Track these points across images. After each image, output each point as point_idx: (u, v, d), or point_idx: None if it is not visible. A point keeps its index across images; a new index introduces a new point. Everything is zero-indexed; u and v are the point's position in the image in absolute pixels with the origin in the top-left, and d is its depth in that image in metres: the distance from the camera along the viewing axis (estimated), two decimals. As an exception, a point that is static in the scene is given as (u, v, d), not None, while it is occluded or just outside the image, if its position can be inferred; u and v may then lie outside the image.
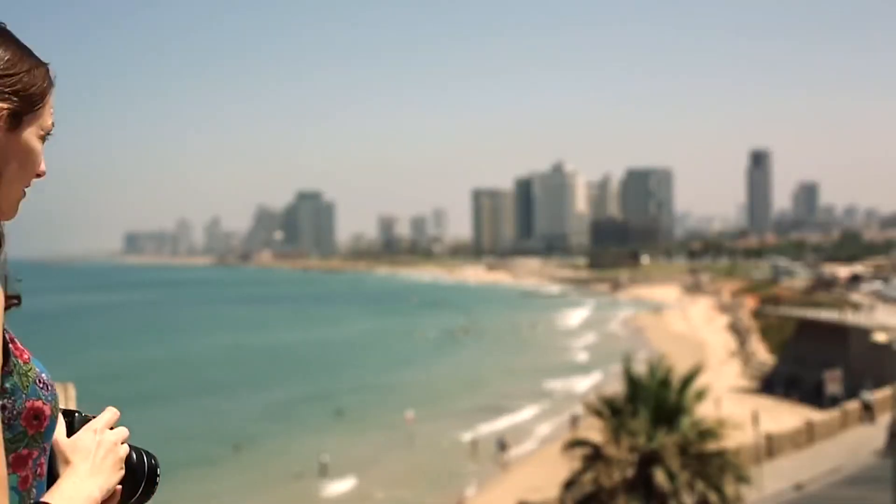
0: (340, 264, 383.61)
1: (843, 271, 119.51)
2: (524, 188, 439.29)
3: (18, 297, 1.37)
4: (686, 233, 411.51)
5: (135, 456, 1.51)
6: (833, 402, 42.21)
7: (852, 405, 39.29)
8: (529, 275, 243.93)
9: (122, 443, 1.47)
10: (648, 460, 21.78)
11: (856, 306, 66.83)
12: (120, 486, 1.45)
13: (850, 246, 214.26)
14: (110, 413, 1.48)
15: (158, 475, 1.54)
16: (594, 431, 24.40)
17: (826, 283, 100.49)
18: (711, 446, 22.62)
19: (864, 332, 51.21)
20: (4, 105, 1.32)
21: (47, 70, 1.40)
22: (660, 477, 21.30)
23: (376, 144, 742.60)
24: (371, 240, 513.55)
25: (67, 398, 2.41)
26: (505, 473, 38.07)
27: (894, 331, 49.99)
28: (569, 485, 22.75)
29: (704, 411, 25.98)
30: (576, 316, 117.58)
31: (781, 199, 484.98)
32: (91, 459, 1.40)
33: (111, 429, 1.47)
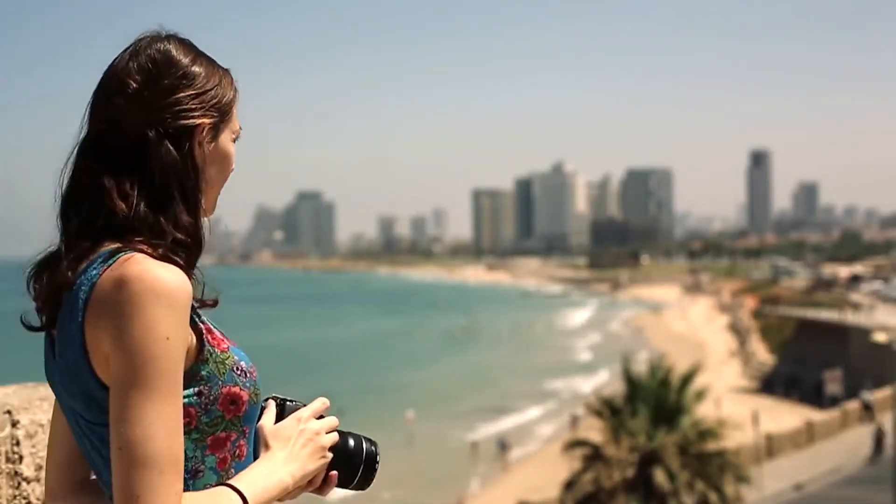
0: (340, 264, 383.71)
1: (843, 271, 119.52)
2: (524, 188, 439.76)
3: (215, 300, 1.48)
4: (686, 233, 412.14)
5: (352, 442, 1.56)
6: (833, 402, 42.22)
7: (852, 405, 39.31)
8: (529, 275, 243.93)
9: (329, 432, 1.53)
10: (648, 460, 21.79)
11: (856, 306, 66.84)
12: (335, 472, 1.53)
13: (850, 246, 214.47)
14: (319, 402, 1.57)
15: (378, 461, 1.58)
16: (594, 431, 24.40)
17: (826, 283, 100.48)
18: (711, 446, 22.63)
19: (864, 332, 51.19)
20: (206, 120, 1.43)
21: (231, 77, 1.51)
22: (660, 477, 21.31)
23: (376, 144, 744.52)
24: (371, 240, 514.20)
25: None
26: (505, 474, 38.05)
27: (894, 331, 49.95)
28: (569, 485, 22.76)
29: (704, 411, 25.98)
30: (576, 316, 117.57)
31: (781, 199, 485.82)
32: (289, 447, 1.47)
33: (320, 418, 1.54)
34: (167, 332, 1.27)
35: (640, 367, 28.34)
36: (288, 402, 1.56)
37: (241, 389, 1.40)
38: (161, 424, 1.26)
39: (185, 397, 1.33)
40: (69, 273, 1.34)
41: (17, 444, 2.22)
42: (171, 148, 1.39)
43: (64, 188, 1.42)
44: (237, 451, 1.42)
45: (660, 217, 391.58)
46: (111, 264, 1.31)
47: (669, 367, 24.99)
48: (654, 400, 22.99)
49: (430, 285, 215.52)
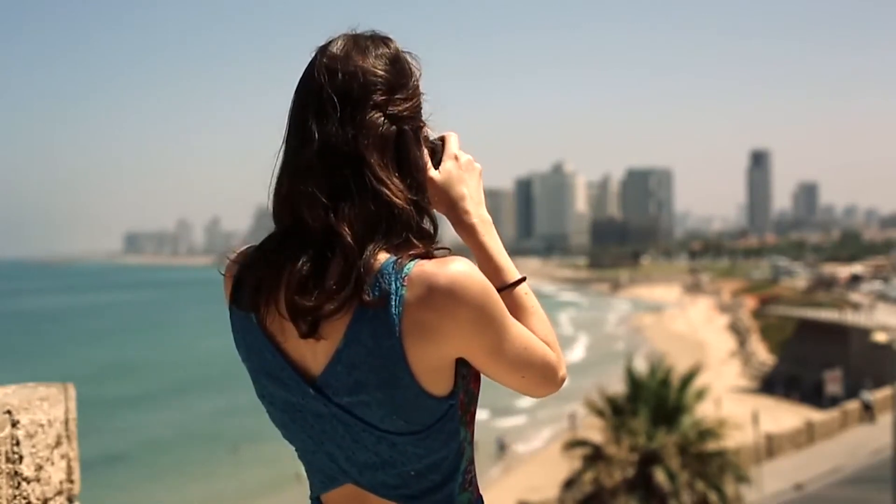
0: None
1: (843, 271, 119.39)
2: (524, 188, 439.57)
3: None
4: (686, 233, 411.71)
5: None
6: (833, 402, 42.21)
7: (852, 405, 39.30)
8: (529, 275, 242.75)
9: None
10: (648, 460, 21.78)
11: (856, 306, 66.80)
12: None
13: (850, 246, 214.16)
14: (454, 137, 1.61)
15: None
16: (594, 431, 24.39)
17: (826, 283, 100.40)
18: (711, 446, 22.62)
19: (864, 332, 51.18)
20: (423, 125, 1.52)
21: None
22: (660, 477, 21.30)
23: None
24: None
25: (68, 398, 2.41)
26: (505, 473, 38.02)
27: (894, 331, 49.94)
28: (569, 485, 22.75)
29: (705, 411, 25.97)
30: (575, 315, 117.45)
31: (781, 199, 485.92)
32: (470, 190, 1.58)
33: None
34: (495, 297, 1.39)
35: (640, 367, 28.29)
36: (432, 143, 1.59)
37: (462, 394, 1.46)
38: (525, 338, 1.44)
39: (457, 386, 1.43)
40: (368, 294, 1.35)
41: (17, 444, 2.22)
42: (419, 146, 1.48)
43: (317, 175, 1.41)
44: (475, 420, 1.50)
45: (660, 217, 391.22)
46: (409, 275, 1.35)
47: (670, 367, 24.98)
48: (654, 400, 22.99)
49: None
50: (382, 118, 1.42)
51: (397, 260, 1.36)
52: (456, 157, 1.57)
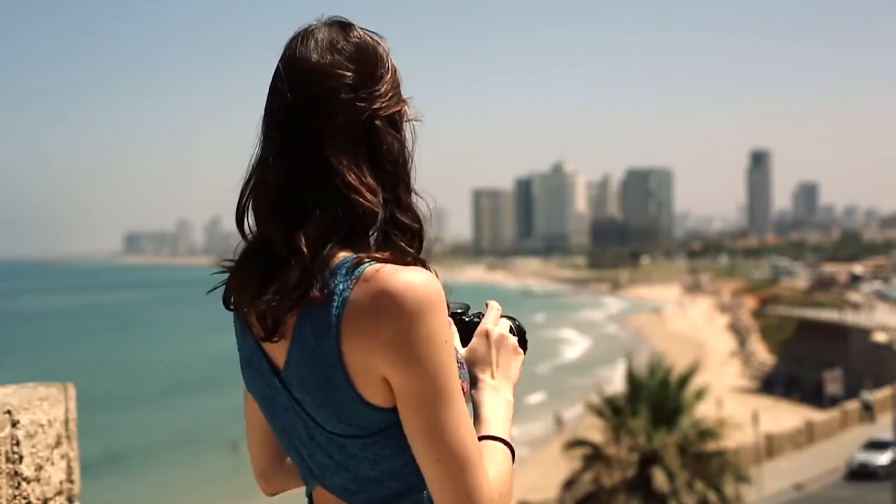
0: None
1: (842, 271, 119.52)
2: (524, 188, 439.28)
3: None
4: (686, 233, 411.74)
5: (514, 323, 1.58)
6: (833, 402, 42.24)
7: (852, 405, 39.34)
8: (529, 275, 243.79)
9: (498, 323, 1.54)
10: (648, 460, 21.79)
11: (856, 306, 66.85)
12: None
13: (850, 246, 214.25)
14: (494, 311, 1.56)
15: (526, 333, 1.60)
16: (594, 431, 24.40)
17: (826, 283, 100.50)
18: (711, 446, 22.63)
19: (864, 332, 51.24)
20: (404, 105, 1.43)
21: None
22: (659, 477, 21.30)
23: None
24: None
25: (68, 398, 2.41)
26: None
27: (894, 331, 50.00)
28: (569, 484, 22.75)
29: (706, 411, 25.97)
30: (575, 315, 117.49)
31: (781, 199, 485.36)
32: (494, 368, 1.49)
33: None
34: (444, 336, 1.28)
35: (640, 367, 28.28)
36: (466, 318, 1.56)
37: (463, 381, 1.38)
38: (465, 424, 1.29)
39: None
40: (317, 290, 1.28)
41: (17, 444, 2.22)
42: (395, 136, 1.39)
43: (276, 187, 1.35)
44: None
45: (660, 217, 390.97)
46: (358, 277, 1.28)
47: (669, 367, 24.99)
48: (654, 400, 22.99)
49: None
50: (349, 118, 1.35)
51: (354, 259, 1.30)
52: (487, 334, 1.51)
